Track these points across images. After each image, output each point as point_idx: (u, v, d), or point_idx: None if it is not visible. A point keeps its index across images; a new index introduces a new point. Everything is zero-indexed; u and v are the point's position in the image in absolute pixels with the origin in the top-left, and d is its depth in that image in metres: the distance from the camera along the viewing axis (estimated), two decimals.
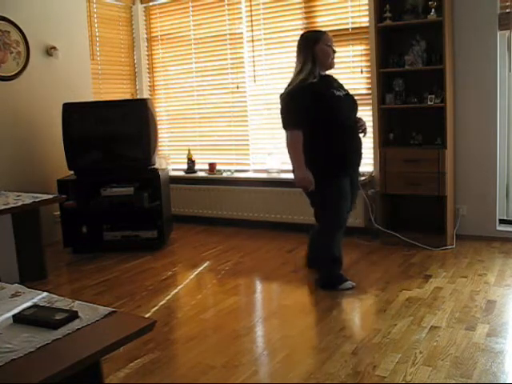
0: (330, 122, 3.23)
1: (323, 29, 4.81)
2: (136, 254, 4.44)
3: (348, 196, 3.37)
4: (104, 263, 4.28)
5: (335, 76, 3.67)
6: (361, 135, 3.41)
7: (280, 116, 3.30)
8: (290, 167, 3.37)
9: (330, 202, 3.33)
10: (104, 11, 5.55)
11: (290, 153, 3.27)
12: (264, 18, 5.13)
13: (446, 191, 4.15)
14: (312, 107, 3.17)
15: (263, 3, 5.10)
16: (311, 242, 3.74)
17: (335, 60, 3.39)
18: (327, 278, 3.47)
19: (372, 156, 4.66)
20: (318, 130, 3.22)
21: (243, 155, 5.46)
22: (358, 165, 3.47)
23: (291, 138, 3.22)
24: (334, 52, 3.34)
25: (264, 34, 5.15)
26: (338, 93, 3.30)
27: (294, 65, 3.36)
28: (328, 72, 3.43)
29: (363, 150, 3.48)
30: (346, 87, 3.48)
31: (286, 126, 3.26)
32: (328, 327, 2.92)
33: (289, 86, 3.30)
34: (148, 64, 5.97)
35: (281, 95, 3.32)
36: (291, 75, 5.03)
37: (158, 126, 5.10)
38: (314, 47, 3.25)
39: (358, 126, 3.37)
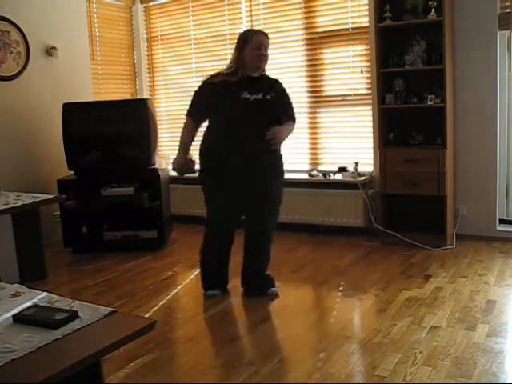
0: (222, 121, 3.24)
1: (323, 29, 4.85)
2: (136, 254, 4.44)
3: (219, 201, 3.32)
4: (104, 263, 4.28)
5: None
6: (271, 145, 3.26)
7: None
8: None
9: (206, 200, 3.45)
10: (104, 11, 5.55)
11: (181, 136, 3.37)
12: (264, 18, 5.13)
13: (446, 191, 4.15)
14: (210, 103, 3.23)
15: (263, 3, 5.11)
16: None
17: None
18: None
19: (372, 156, 4.66)
20: (210, 125, 3.34)
21: None
22: (240, 172, 3.25)
23: (184, 124, 3.34)
24: (262, 55, 3.22)
25: None
26: (247, 95, 3.19)
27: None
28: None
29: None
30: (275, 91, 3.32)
31: (187, 111, 3.36)
32: (328, 327, 2.93)
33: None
34: (148, 64, 5.97)
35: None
36: (291, 75, 5.08)
37: (158, 126, 5.10)
38: (242, 50, 3.19)
39: (254, 132, 3.20)
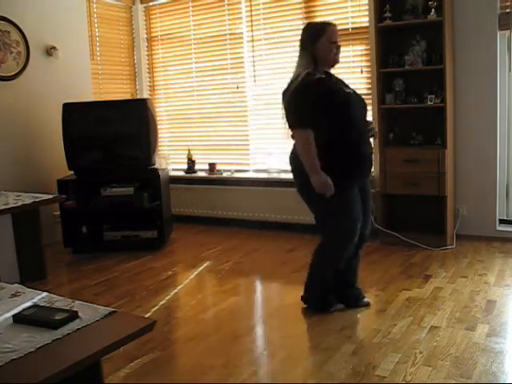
0: (343, 121, 2.85)
1: None
2: (136, 254, 4.44)
3: (359, 205, 2.96)
4: (104, 263, 4.28)
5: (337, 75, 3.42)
6: (370, 139, 3.06)
7: (285, 115, 2.94)
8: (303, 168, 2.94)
9: (337, 213, 2.91)
10: (104, 11, 5.55)
11: (301, 156, 2.84)
12: (264, 18, 5.13)
13: (446, 191, 4.15)
14: (324, 104, 2.80)
15: (263, 3, 5.10)
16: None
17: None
18: (316, 300, 3.12)
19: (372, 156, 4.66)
20: (329, 129, 2.83)
21: (243, 155, 5.46)
22: (370, 171, 3.08)
23: (301, 140, 2.82)
24: (339, 47, 2.93)
25: (264, 33, 5.15)
26: (347, 90, 2.94)
27: (297, 58, 3.00)
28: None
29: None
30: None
31: (294, 125, 2.87)
32: (328, 327, 2.92)
33: (292, 82, 2.92)
34: (148, 64, 5.96)
35: (284, 92, 2.96)
36: (291, 75, 5.07)
37: (158, 126, 5.10)
38: (315, 43, 2.86)
39: (368, 129, 3.00)
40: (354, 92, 3.01)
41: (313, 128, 2.79)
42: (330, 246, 3.04)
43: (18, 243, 3.73)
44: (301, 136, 2.83)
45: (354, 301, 3.16)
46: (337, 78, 3.02)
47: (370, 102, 4.61)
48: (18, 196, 3.72)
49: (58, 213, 4.61)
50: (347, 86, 3.01)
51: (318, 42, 2.87)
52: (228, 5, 5.34)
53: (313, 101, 2.79)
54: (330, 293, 3.12)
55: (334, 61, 2.94)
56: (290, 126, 2.91)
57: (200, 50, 5.59)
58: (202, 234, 5.14)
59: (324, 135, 2.82)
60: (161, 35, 5.84)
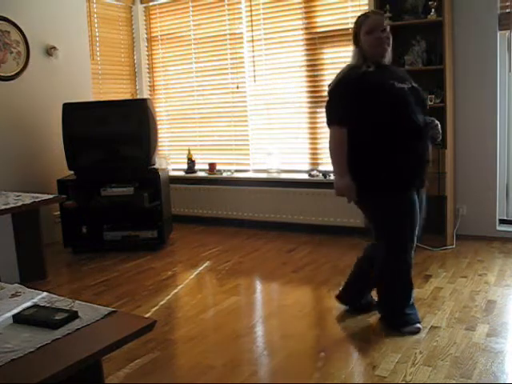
0: (390, 120, 2.62)
1: (323, 29, 4.85)
2: (136, 254, 4.44)
3: (417, 211, 2.72)
4: (104, 263, 4.28)
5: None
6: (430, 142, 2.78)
7: (325, 110, 2.78)
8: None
9: (391, 222, 2.73)
10: (104, 11, 5.55)
11: (331, 155, 2.71)
12: (264, 18, 5.13)
13: (446, 191, 4.15)
14: (365, 101, 2.61)
15: (263, 3, 5.10)
16: (361, 266, 3.04)
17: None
18: (392, 315, 2.86)
19: None
20: (372, 130, 2.63)
21: (243, 155, 5.46)
22: (424, 176, 2.79)
23: (333, 137, 2.67)
24: (379, 38, 2.69)
25: (264, 33, 5.15)
26: (399, 85, 2.66)
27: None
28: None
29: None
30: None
31: (328, 121, 2.71)
32: (328, 327, 2.92)
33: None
34: (148, 64, 5.97)
35: (329, 85, 2.79)
36: (291, 75, 5.08)
37: (158, 126, 5.09)
38: (359, 37, 2.73)
39: (427, 129, 2.72)
40: (413, 87, 2.74)
41: (354, 126, 2.62)
42: (396, 255, 2.76)
43: (18, 243, 3.73)
44: (335, 134, 2.67)
45: (370, 305, 3.07)
46: (391, 71, 2.78)
47: None
48: (18, 196, 3.72)
49: (58, 213, 4.61)
50: (403, 80, 2.73)
51: (359, 35, 2.73)
52: (228, 5, 5.34)
53: (351, 98, 2.62)
54: (407, 306, 2.83)
55: (380, 53, 2.72)
56: (326, 122, 2.75)
57: (200, 50, 5.59)
58: (202, 234, 5.14)
59: (366, 135, 2.64)
60: (161, 35, 5.84)
